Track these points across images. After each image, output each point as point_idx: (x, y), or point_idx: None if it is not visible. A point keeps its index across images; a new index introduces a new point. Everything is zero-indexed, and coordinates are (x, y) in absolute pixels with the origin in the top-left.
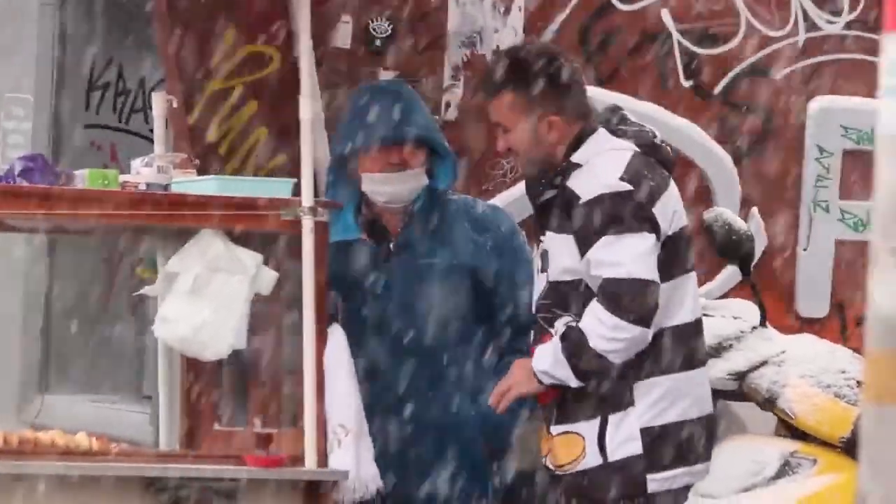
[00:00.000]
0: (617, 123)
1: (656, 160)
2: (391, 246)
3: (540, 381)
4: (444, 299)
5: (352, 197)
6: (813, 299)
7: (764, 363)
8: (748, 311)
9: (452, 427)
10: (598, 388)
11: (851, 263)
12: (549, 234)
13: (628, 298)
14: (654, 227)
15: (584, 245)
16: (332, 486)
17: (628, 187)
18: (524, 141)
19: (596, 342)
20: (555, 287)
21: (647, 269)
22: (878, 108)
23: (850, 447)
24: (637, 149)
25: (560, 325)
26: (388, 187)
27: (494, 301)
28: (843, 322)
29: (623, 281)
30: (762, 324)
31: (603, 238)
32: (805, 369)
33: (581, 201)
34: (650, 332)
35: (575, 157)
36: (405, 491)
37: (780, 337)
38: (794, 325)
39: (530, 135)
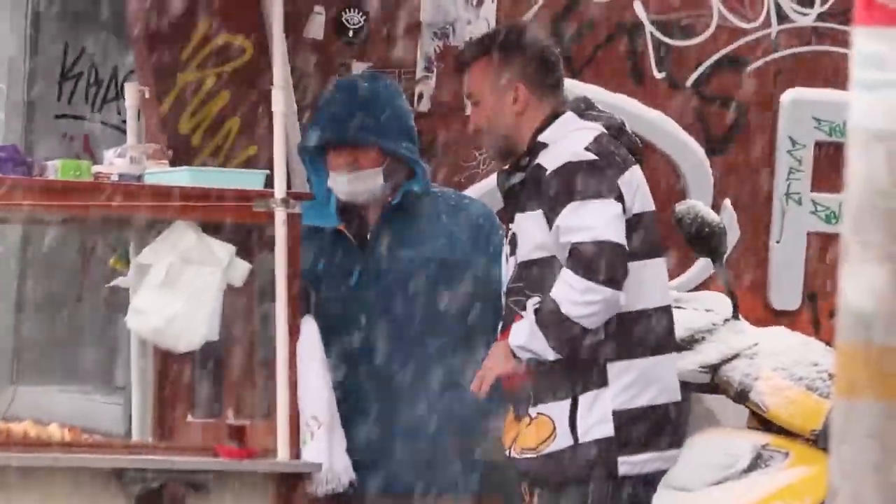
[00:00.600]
0: (585, 109)
1: (622, 144)
2: (367, 236)
3: (518, 359)
4: (417, 291)
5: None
6: (785, 292)
7: (736, 356)
8: (720, 303)
9: (426, 419)
10: (569, 369)
11: (824, 256)
12: (517, 216)
13: (598, 260)
14: (619, 198)
15: (552, 214)
16: (305, 478)
17: (594, 157)
18: (492, 114)
19: (568, 308)
20: (526, 267)
21: (615, 232)
22: (850, 100)
23: (822, 440)
24: (604, 130)
25: (530, 305)
26: (343, 186)
27: (469, 292)
28: (815, 314)
29: (591, 244)
30: (734, 316)
31: (570, 204)
32: (777, 362)
33: (547, 172)
34: (622, 296)
35: (542, 138)
36: (381, 483)
37: (753, 329)
38: (766, 318)
39: (498, 104)
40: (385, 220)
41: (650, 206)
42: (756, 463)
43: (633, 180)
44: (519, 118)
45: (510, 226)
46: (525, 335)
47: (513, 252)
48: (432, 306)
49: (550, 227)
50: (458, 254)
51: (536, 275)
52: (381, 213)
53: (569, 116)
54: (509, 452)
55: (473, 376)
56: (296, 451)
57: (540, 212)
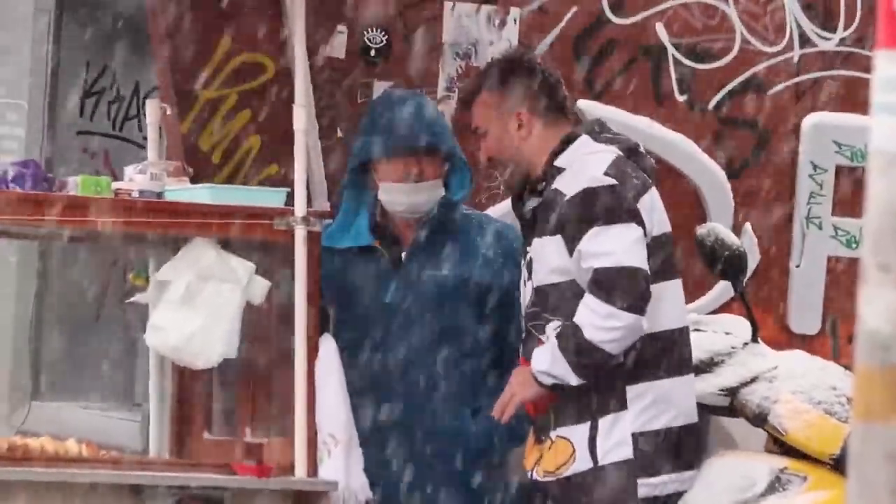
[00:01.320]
0: (599, 132)
1: (638, 166)
2: (402, 255)
3: (540, 384)
4: (451, 311)
5: (367, 204)
6: (805, 315)
7: (755, 379)
8: (740, 326)
9: (454, 441)
10: (588, 392)
11: (844, 280)
12: (535, 241)
13: (620, 286)
14: (640, 222)
15: (572, 241)
16: (322, 497)
17: (613, 181)
18: (499, 140)
19: (591, 333)
20: (543, 291)
21: (637, 257)
22: (871, 123)
23: (840, 464)
24: (620, 152)
25: (551, 329)
26: (406, 197)
27: (502, 315)
28: (835, 338)
29: (613, 269)
30: (754, 339)
31: (591, 230)
32: (796, 385)
33: (566, 198)
34: (644, 321)
35: (558, 162)
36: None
37: (772, 353)
38: (785, 341)
39: (504, 135)
40: (421, 238)
41: (667, 227)
42: (774, 486)
43: (652, 205)
44: (526, 144)
45: (527, 250)
46: (548, 361)
47: (530, 276)
48: (467, 326)
49: (570, 253)
50: (493, 275)
51: (554, 299)
52: (418, 227)
53: (584, 140)
54: (531, 475)
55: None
56: (313, 470)
57: (558, 237)
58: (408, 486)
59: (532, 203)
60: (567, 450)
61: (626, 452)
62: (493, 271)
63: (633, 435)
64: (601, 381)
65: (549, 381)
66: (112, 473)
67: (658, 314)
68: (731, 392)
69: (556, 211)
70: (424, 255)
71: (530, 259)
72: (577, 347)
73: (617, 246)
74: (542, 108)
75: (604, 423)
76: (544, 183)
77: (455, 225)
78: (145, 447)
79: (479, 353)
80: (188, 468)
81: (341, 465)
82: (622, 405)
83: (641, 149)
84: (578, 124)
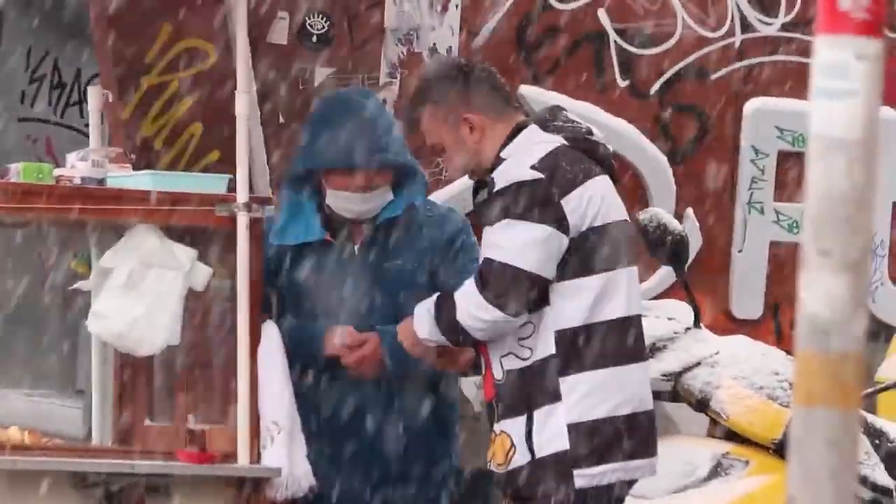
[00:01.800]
0: (550, 120)
1: (587, 155)
2: (356, 248)
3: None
4: (408, 301)
5: (315, 198)
6: (747, 300)
7: (697, 364)
8: (682, 311)
9: (408, 428)
10: (524, 385)
11: (786, 265)
12: (484, 230)
13: (498, 283)
14: (557, 219)
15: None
16: (264, 483)
17: (537, 175)
18: (458, 152)
19: (461, 315)
20: None
21: (528, 259)
22: (810, 108)
23: (782, 449)
24: (564, 142)
25: (434, 298)
26: (355, 206)
27: None
28: (777, 324)
29: (499, 264)
30: (696, 325)
31: (498, 222)
32: (738, 371)
33: (493, 190)
34: (516, 322)
35: (503, 153)
36: (357, 497)
37: (714, 338)
38: (728, 326)
39: (459, 143)
40: (374, 229)
41: (618, 216)
42: (716, 471)
43: (588, 196)
44: (483, 144)
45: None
46: (427, 329)
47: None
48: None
49: None
50: (445, 263)
51: None
52: (371, 222)
53: (531, 129)
54: (488, 465)
55: (451, 382)
56: (256, 457)
57: (489, 228)
58: (361, 479)
59: (482, 195)
60: (506, 443)
61: (562, 444)
62: (439, 256)
63: (569, 426)
64: (536, 374)
65: (432, 344)
66: (55, 461)
67: (595, 305)
68: (674, 377)
69: (489, 202)
70: (378, 246)
71: (470, 249)
72: (448, 323)
73: (511, 243)
74: (487, 104)
75: (538, 415)
76: (490, 174)
77: (408, 217)
78: (88, 434)
79: None
80: (131, 455)
81: (284, 451)
82: (556, 397)
83: (595, 136)
84: (524, 112)
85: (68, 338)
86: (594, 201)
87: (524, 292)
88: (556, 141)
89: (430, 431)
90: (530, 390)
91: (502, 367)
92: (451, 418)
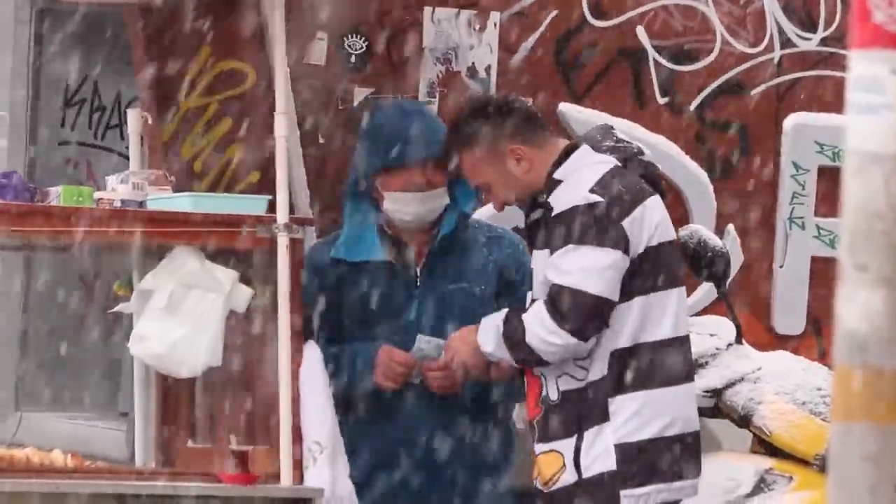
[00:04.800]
0: (602, 140)
1: (640, 175)
2: (418, 269)
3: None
4: (467, 323)
5: (372, 216)
6: (789, 316)
7: (740, 380)
8: (724, 328)
9: (471, 456)
10: (575, 405)
11: (827, 280)
12: (534, 253)
13: (570, 309)
14: (620, 242)
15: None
16: None
17: (597, 199)
18: (506, 186)
19: (531, 339)
20: (532, 304)
21: (597, 283)
22: (846, 123)
23: (825, 464)
24: (618, 163)
25: (502, 313)
26: (412, 207)
27: None
28: (819, 339)
29: (569, 290)
30: (738, 341)
31: (565, 247)
32: (780, 386)
33: (553, 214)
34: (587, 346)
35: (556, 174)
36: None
37: (756, 354)
38: (770, 342)
39: (507, 177)
40: (436, 249)
41: (669, 236)
42: (759, 487)
43: (647, 217)
44: (531, 174)
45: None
46: (492, 343)
47: (531, 287)
48: None
49: None
50: (506, 284)
51: None
52: (430, 240)
53: (583, 150)
54: (535, 483)
55: (508, 403)
56: (299, 477)
57: (547, 251)
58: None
59: (535, 214)
60: (558, 462)
61: (609, 464)
62: (499, 278)
63: (616, 446)
64: (589, 394)
65: (493, 359)
66: (96, 483)
67: (646, 325)
68: (716, 393)
69: (546, 225)
70: (441, 267)
71: (531, 270)
72: (516, 344)
73: (580, 267)
74: (528, 133)
75: (588, 435)
76: (545, 195)
77: (466, 236)
78: (131, 456)
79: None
80: (174, 477)
81: (327, 472)
82: (605, 417)
83: (646, 156)
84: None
85: (111, 361)
86: (650, 222)
87: (595, 316)
88: (610, 162)
89: (489, 455)
90: (581, 410)
91: (558, 387)
92: (510, 441)
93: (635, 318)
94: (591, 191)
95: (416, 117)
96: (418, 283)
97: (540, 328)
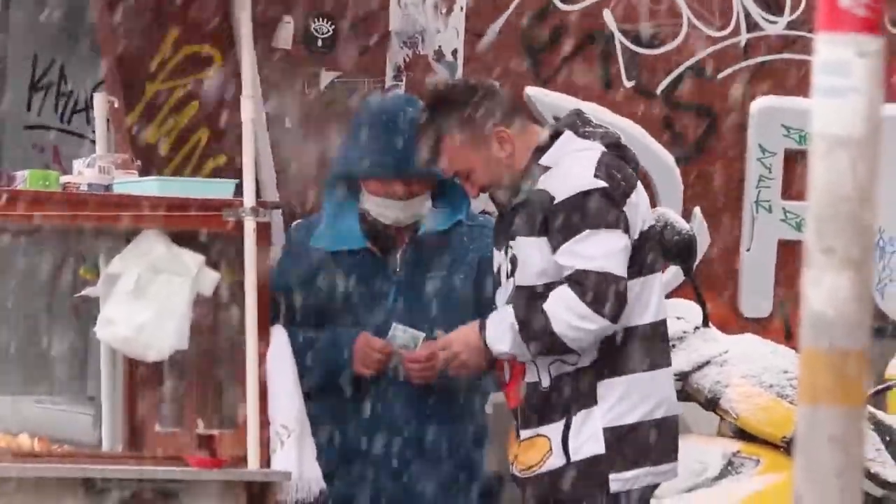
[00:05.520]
0: (582, 126)
1: (622, 160)
2: (398, 257)
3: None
4: (446, 315)
5: (355, 204)
6: (756, 299)
7: (706, 363)
8: (691, 311)
9: (448, 442)
10: (562, 389)
11: (794, 263)
12: (519, 239)
13: (600, 291)
14: (625, 225)
15: (559, 244)
16: (275, 487)
17: (603, 184)
18: (488, 172)
19: (561, 328)
20: (525, 292)
21: (618, 265)
22: (812, 106)
23: (792, 447)
24: (605, 148)
25: (509, 309)
26: (392, 212)
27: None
28: (786, 322)
29: (595, 273)
30: (705, 324)
31: (580, 233)
32: (747, 369)
33: (556, 201)
34: (616, 328)
35: (543, 160)
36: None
37: (723, 337)
38: (736, 325)
39: (490, 161)
40: (417, 240)
41: (651, 220)
42: (727, 470)
43: (639, 202)
44: (514, 157)
45: (510, 244)
46: (508, 343)
47: (512, 272)
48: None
49: (555, 253)
50: (485, 273)
51: (538, 300)
52: (413, 230)
53: (568, 136)
54: (512, 469)
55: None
56: (266, 461)
57: (544, 239)
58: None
59: (518, 198)
60: (544, 446)
61: (598, 448)
62: (484, 271)
63: (605, 430)
64: (579, 378)
65: (504, 357)
66: (64, 467)
67: (633, 309)
68: (683, 376)
69: (543, 212)
70: (420, 257)
71: (513, 256)
72: (541, 337)
73: (601, 251)
74: (511, 116)
75: (577, 419)
76: (529, 181)
77: (449, 229)
78: (98, 440)
79: None
80: (141, 461)
81: (294, 455)
82: (593, 401)
83: (623, 140)
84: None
85: (78, 345)
86: (641, 207)
87: (623, 298)
88: (597, 147)
89: (463, 444)
90: (570, 395)
91: (550, 373)
92: (484, 429)
93: (629, 303)
94: (596, 175)
95: (404, 127)
96: (398, 270)
97: (569, 315)
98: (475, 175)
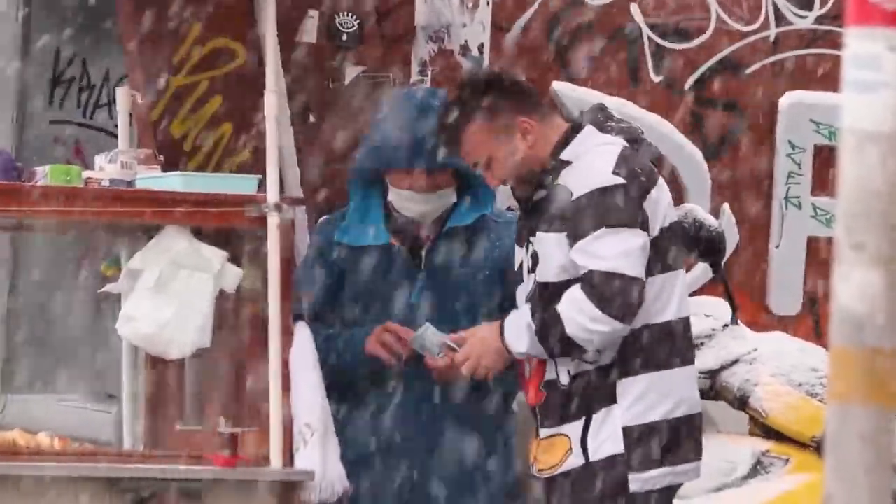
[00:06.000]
0: (604, 120)
1: (643, 155)
2: (423, 253)
3: (508, 354)
4: (476, 311)
5: (380, 198)
6: (785, 296)
7: (735, 361)
8: (719, 308)
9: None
10: (582, 388)
11: (824, 260)
12: (540, 234)
13: (613, 293)
14: (643, 223)
15: (576, 240)
16: (298, 487)
17: (621, 181)
18: (509, 161)
19: (574, 330)
20: (546, 288)
21: (634, 266)
22: (842, 102)
23: (822, 446)
24: (626, 143)
25: (528, 309)
26: (417, 206)
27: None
28: (815, 319)
29: (609, 274)
30: (733, 322)
31: (596, 231)
32: (776, 367)
33: (574, 196)
34: (627, 330)
35: (564, 155)
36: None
37: (752, 335)
38: (766, 323)
39: (512, 152)
40: (443, 235)
41: (674, 217)
42: (756, 469)
43: (660, 198)
44: (535, 148)
45: (531, 239)
46: (526, 344)
47: (533, 267)
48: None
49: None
50: (510, 270)
51: (556, 296)
52: (437, 225)
53: (589, 131)
54: (532, 469)
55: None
56: (289, 460)
57: (563, 235)
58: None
59: (539, 194)
60: (564, 445)
61: (617, 447)
62: (510, 267)
63: (624, 429)
64: (599, 377)
65: (522, 356)
66: (85, 466)
67: (654, 306)
68: (712, 375)
69: (562, 208)
70: (445, 252)
71: (534, 251)
72: (553, 339)
73: (616, 251)
74: (532, 107)
75: (596, 418)
76: (550, 176)
77: (475, 224)
78: (119, 439)
79: None
80: (163, 460)
81: (317, 454)
82: (613, 399)
83: (644, 135)
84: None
85: (100, 342)
86: (662, 203)
87: (635, 299)
88: (618, 142)
89: (488, 441)
90: (590, 393)
91: (569, 371)
92: (510, 427)
93: (648, 300)
94: (615, 172)
95: (432, 120)
96: (423, 266)
97: (581, 317)
98: (495, 164)
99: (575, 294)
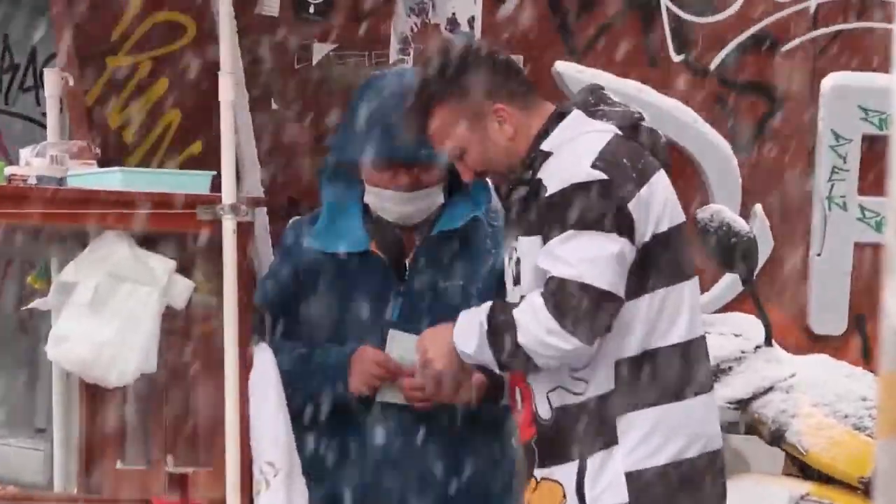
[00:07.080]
0: (595, 104)
1: (642, 145)
2: (407, 262)
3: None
4: None
5: (357, 199)
6: (828, 313)
7: (770, 389)
8: (751, 327)
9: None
10: (574, 426)
11: (874, 270)
12: (521, 240)
13: (573, 304)
14: (626, 227)
15: (544, 243)
16: None
17: (601, 176)
18: (483, 152)
19: (526, 340)
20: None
21: (604, 277)
22: (894, 85)
23: (870, 488)
24: (618, 131)
25: (485, 307)
26: (395, 207)
27: None
28: (864, 340)
29: (572, 284)
30: (767, 342)
31: (564, 233)
32: (818, 396)
33: (547, 193)
34: (590, 351)
35: (544, 145)
36: None
37: (789, 358)
38: (805, 344)
39: (485, 142)
40: (429, 242)
41: (680, 217)
42: None
43: (655, 197)
44: (515, 141)
45: (514, 246)
46: (474, 345)
47: (518, 280)
48: None
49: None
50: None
51: None
52: (423, 230)
53: (575, 116)
54: None
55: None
56: (248, 503)
57: (539, 238)
58: None
59: (519, 192)
60: (557, 493)
61: (620, 496)
62: (498, 272)
63: (627, 475)
64: (591, 412)
65: (472, 362)
66: None
67: (656, 327)
68: (742, 405)
69: (536, 207)
70: (433, 261)
71: (517, 259)
72: (504, 345)
73: (584, 257)
74: (513, 93)
75: (592, 462)
76: (530, 170)
77: (465, 228)
78: (49, 480)
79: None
80: None
81: (282, 497)
82: (612, 440)
83: (646, 122)
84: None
85: (25, 367)
86: (657, 203)
87: (603, 315)
88: (609, 130)
89: (483, 483)
90: (583, 432)
91: (550, 403)
92: (510, 466)
93: (645, 320)
94: (594, 166)
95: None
96: (405, 278)
97: (536, 327)
98: (468, 156)
99: (534, 300)
